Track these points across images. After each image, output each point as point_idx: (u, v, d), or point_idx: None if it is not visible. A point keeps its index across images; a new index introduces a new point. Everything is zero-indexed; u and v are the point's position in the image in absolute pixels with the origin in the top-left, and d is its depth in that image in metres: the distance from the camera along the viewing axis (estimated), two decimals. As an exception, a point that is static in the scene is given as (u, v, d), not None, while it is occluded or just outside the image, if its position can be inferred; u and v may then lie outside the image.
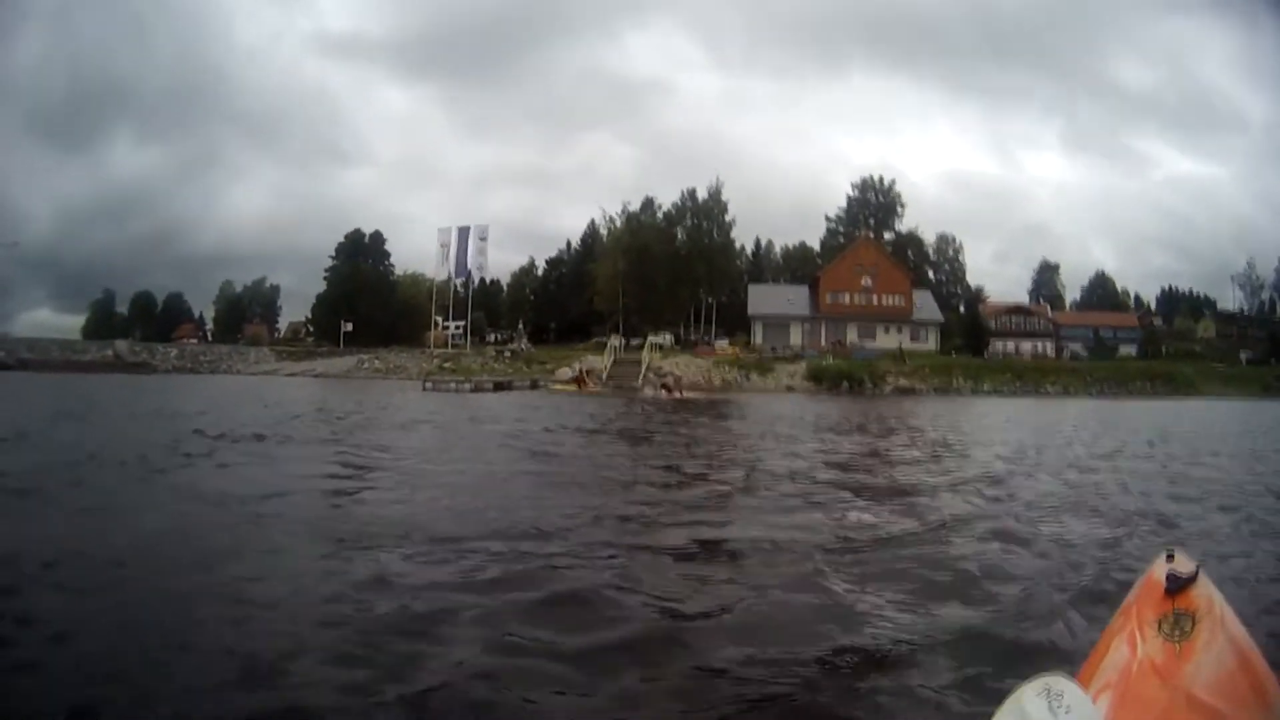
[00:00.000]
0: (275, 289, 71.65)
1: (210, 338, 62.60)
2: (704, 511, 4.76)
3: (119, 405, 15.46)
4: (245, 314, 67.43)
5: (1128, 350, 63.13)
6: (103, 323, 58.47)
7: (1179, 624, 1.41)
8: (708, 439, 10.36)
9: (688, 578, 3.25)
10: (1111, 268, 75.69)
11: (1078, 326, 63.09)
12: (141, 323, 59.60)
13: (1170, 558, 1.63)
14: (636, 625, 2.62)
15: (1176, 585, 1.50)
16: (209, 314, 71.01)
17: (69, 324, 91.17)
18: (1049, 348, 60.75)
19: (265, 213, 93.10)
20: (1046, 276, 65.76)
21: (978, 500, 5.28)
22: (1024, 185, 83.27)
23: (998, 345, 57.33)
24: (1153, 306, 71.28)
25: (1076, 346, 62.24)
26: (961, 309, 56.29)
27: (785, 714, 2.05)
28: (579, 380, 32.38)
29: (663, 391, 26.29)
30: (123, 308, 65.74)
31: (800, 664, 2.33)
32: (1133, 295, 70.20)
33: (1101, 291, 67.23)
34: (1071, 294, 67.44)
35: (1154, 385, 43.92)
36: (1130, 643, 1.42)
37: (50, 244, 72.95)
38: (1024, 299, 63.31)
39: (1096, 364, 50.61)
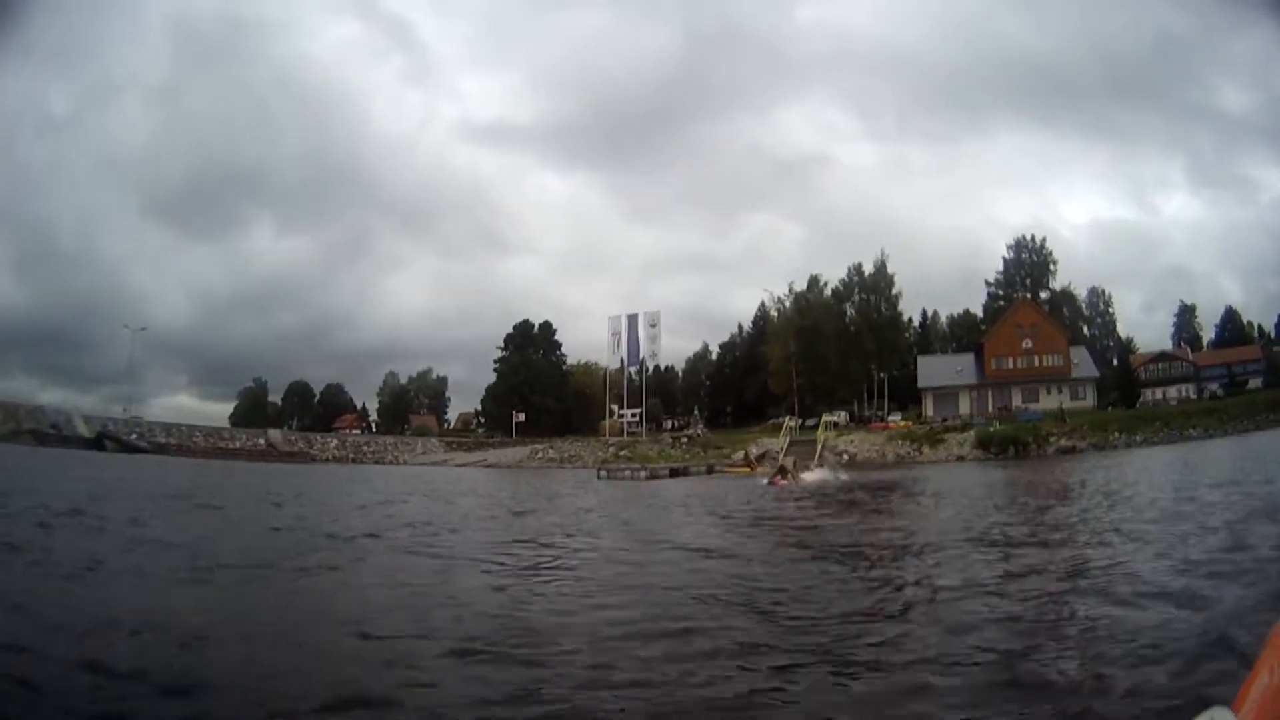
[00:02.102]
0: (443, 380, 71.56)
1: (375, 428, 63.06)
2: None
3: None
4: (411, 405, 67.51)
5: (1255, 383, 61.78)
6: (254, 411, 58.81)
7: None
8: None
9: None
10: (1238, 300, 74.01)
11: (1215, 365, 61.82)
12: (298, 412, 59.80)
13: None
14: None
15: None
16: (372, 405, 70.65)
17: (213, 410, 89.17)
18: (1192, 390, 59.65)
19: (427, 304, 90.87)
20: (1185, 319, 64.47)
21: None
22: (1161, 228, 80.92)
23: (1148, 394, 56.50)
24: (1273, 335, 69.80)
25: (1215, 386, 61.00)
26: (1114, 362, 55.26)
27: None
28: (749, 464, 33.18)
29: (779, 478, 19.41)
30: (275, 397, 66.10)
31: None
32: (1256, 326, 68.77)
33: (1232, 326, 65.70)
34: (1207, 333, 65.93)
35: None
36: (1269, 669, 1.46)
37: (189, 330, 73.31)
38: (1169, 345, 62.19)
39: (1230, 401, 49.70)
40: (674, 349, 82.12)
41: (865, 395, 48.14)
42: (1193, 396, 57.67)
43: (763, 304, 55.80)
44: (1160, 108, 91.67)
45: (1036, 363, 48.94)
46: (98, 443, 44.79)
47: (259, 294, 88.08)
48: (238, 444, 53.23)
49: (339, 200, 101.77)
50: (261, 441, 52.57)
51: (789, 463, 20.83)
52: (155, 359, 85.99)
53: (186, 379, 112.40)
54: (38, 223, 70.70)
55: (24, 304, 69.17)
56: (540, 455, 44.60)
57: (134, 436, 49.17)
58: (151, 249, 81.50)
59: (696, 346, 65.70)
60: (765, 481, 19.34)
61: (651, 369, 47.42)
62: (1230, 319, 66.74)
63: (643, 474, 31.28)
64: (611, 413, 45.74)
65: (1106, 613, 4.28)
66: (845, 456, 43.52)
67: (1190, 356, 61.16)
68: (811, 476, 21.27)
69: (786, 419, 44.56)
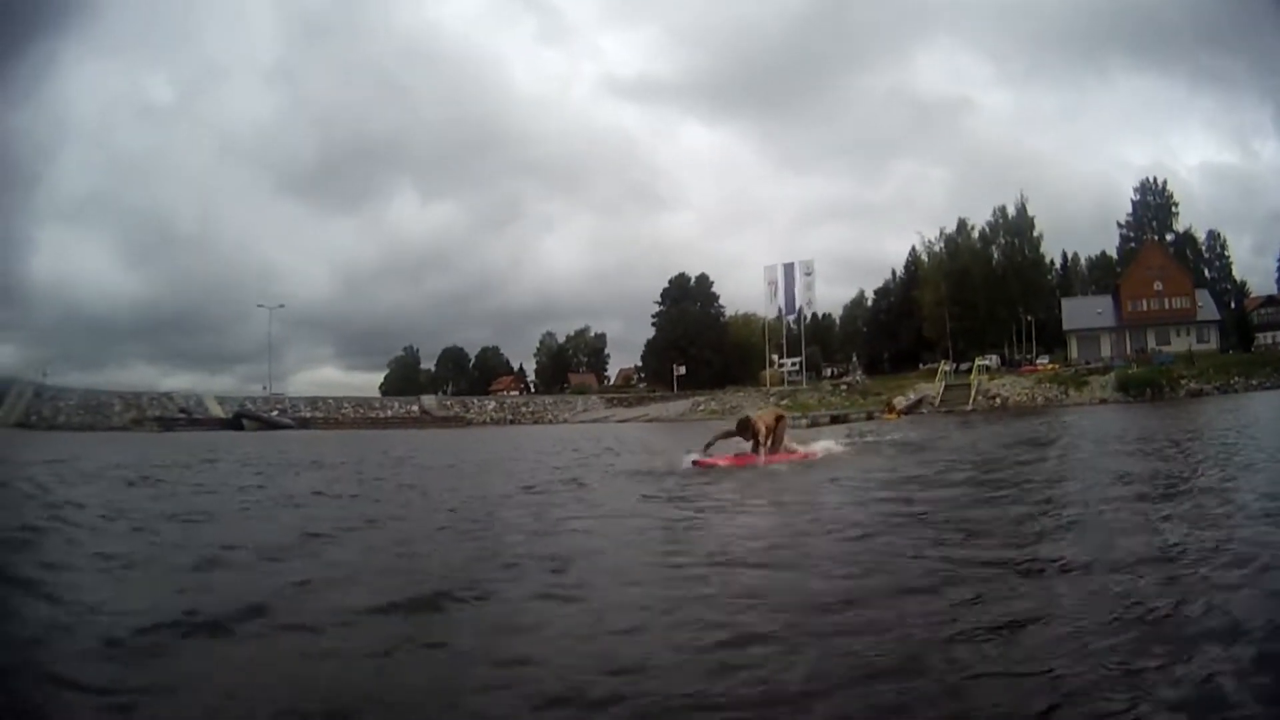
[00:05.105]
0: (601, 337, 72.28)
1: (534, 389, 64.44)
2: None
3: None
4: (570, 364, 68.69)
5: (1346, 329, 62.77)
6: (406, 379, 60.38)
7: None
8: None
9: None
10: (1332, 249, 74.87)
11: (1313, 312, 63.22)
12: (452, 378, 61.40)
13: None
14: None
15: None
16: (530, 366, 71.48)
17: (360, 381, 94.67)
18: (1297, 335, 60.85)
19: (582, 262, 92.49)
20: (1285, 264, 65.56)
21: None
22: (1262, 174, 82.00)
23: (1261, 338, 57.77)
24: (1360, 281, 70.77)
25: (1313, 332, 62.17)
26: (1231, 305, 56.65)
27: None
28: (892, 410, 35.97)
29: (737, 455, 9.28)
30: (428, 364, 67.25)
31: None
32: (1347, 273, 69.78)
33: (1323, 273, 66.87)
34: (1303, 279, 66.97)
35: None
36: None
37: (331, 303, 75.73)
38: (1275, 289, 63.37)
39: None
40: (830, 297, 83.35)
41: (1014, 339, 49.74)
42: (1297, 341, 58.96)
43: (913, 249, 56.72)
44: (1248, 57, 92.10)
45: (1166, 305, 50.34)
46: (235, 423, 42.86)
47: (406, 262, 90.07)
48: (389, 412, 54.31)
49: (484, 164, 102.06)
50: (415, 408, 53.89)
51: (765, 419, 9.60)
52: (296, 335, 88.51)
53: (332, 351, 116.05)
54: (148, 211, 72.61)
55: (139, 294, 70.82)
56: (702, 408, 46.27)
57: (275, 413, 48.23)
58: (285, 226, 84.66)
59: (852, 293, 67.27)
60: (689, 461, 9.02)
61: (809, 317, 49.18)
62: (1321, 265, 67.90)
63: (804, 422, 32.75)
64: (771, 362, 47.42)
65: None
66: (997, 399, 45.29)
67: (1295, 301, 62.50)
68: (818, 445, 11.00)
69: (941, 363, 46.28)
